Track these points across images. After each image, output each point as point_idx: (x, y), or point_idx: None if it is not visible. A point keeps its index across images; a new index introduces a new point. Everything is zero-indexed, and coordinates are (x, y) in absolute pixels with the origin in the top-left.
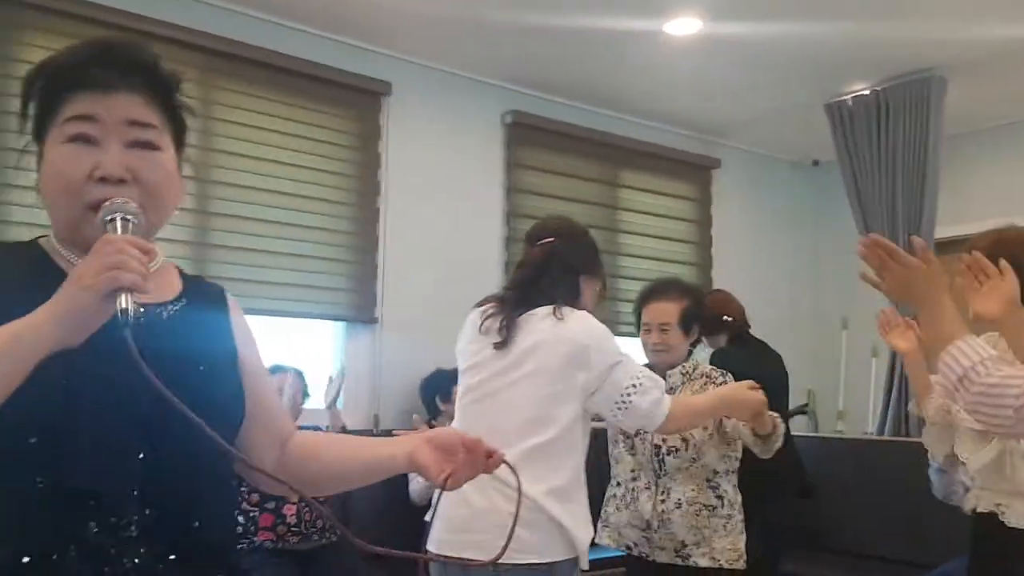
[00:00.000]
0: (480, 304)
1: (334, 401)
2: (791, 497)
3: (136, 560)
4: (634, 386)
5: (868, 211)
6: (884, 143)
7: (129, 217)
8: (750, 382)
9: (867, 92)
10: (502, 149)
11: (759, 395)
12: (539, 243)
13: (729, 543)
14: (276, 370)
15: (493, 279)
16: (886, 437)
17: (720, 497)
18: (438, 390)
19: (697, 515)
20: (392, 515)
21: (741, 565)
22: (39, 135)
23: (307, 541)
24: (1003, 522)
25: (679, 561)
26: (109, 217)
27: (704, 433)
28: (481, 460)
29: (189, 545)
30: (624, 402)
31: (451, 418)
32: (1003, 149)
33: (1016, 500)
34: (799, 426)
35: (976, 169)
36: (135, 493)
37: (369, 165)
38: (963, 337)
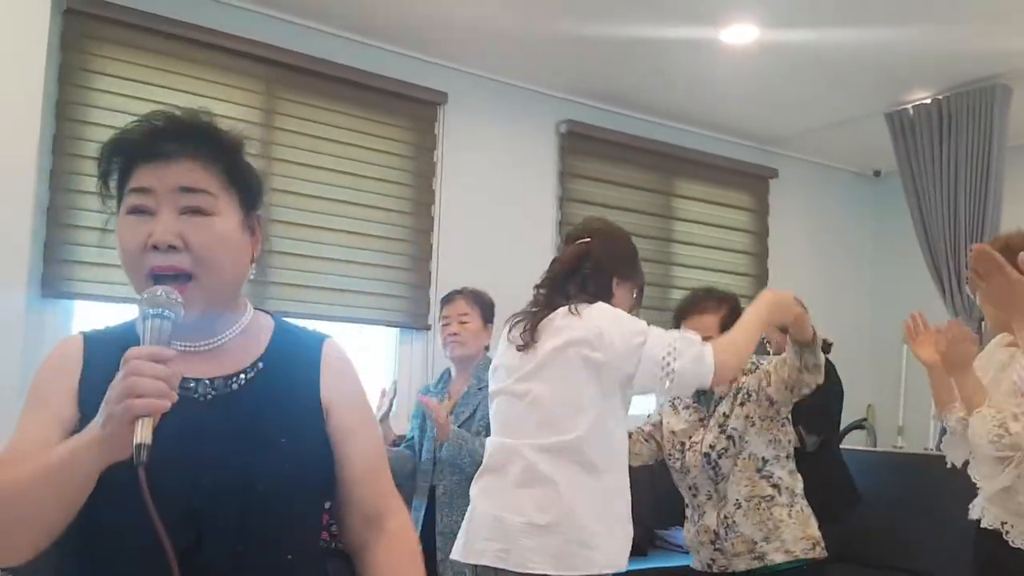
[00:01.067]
0: (516, 315)
1: (387, 414)
2: (843, 512)
3: None
4: (670, 353)
5: (929, 222)
6: (946, 153)
7: (167, 314)
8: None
9: (929, 101)
10: (556, 159)
11: (791, 293)
12: (575, 242)
13: (800, 532)
14: None
15: None
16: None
17: (776, 486)
18: None
19: (758, 509)
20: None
21: (820, 553)
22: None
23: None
24: (1007, 541)
25: (757, 564)
26: (144, 316)
27: (746, 422)
28: None
29: None
30: (668, 372)
31: None
32: None
33: (1022, 521)
34: (857, 440)
35: None
36: None
37: (425, 174)
38: (978, 400)
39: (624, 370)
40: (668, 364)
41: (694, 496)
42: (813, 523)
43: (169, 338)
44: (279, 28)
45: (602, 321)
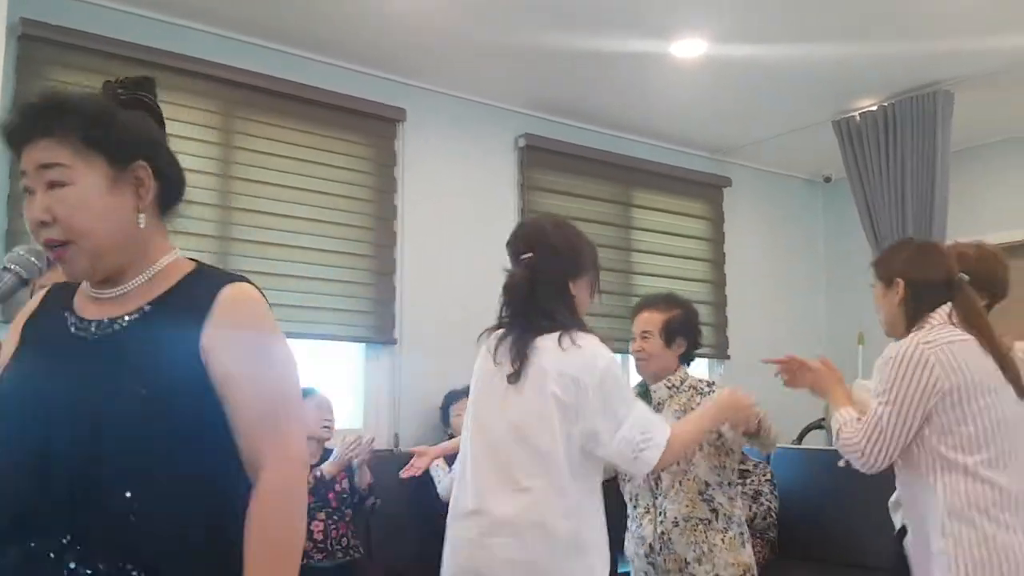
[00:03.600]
0: (490, 330)
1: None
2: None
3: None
4: (645, 440)
5: (879, 226)
6: (893, 158)
7: (13, 268)
8: (736, 387)
9: (875, 108)
10: (516, 172)
11: (749, 397)
12: (520, 259)
13: (731, 558)
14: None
15: None
16: None
17: (715, 511)
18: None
19: (694, 530)
20: (414, 529)
21: None
22: None
23: (331, 559)
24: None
25: None
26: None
27: (700, 450)
28: None
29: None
30: (637, 457)
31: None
32: (1011, 162)
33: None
34: (816, 440)
35: (985, 182)
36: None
37: (386, 190)
38: (838, 409)
39: (591, 426)
40: (641, 449)
41: (635, 507)
42: (746, 550)
43: (13, 288)
44: (236, 48)
45: (590, 377)
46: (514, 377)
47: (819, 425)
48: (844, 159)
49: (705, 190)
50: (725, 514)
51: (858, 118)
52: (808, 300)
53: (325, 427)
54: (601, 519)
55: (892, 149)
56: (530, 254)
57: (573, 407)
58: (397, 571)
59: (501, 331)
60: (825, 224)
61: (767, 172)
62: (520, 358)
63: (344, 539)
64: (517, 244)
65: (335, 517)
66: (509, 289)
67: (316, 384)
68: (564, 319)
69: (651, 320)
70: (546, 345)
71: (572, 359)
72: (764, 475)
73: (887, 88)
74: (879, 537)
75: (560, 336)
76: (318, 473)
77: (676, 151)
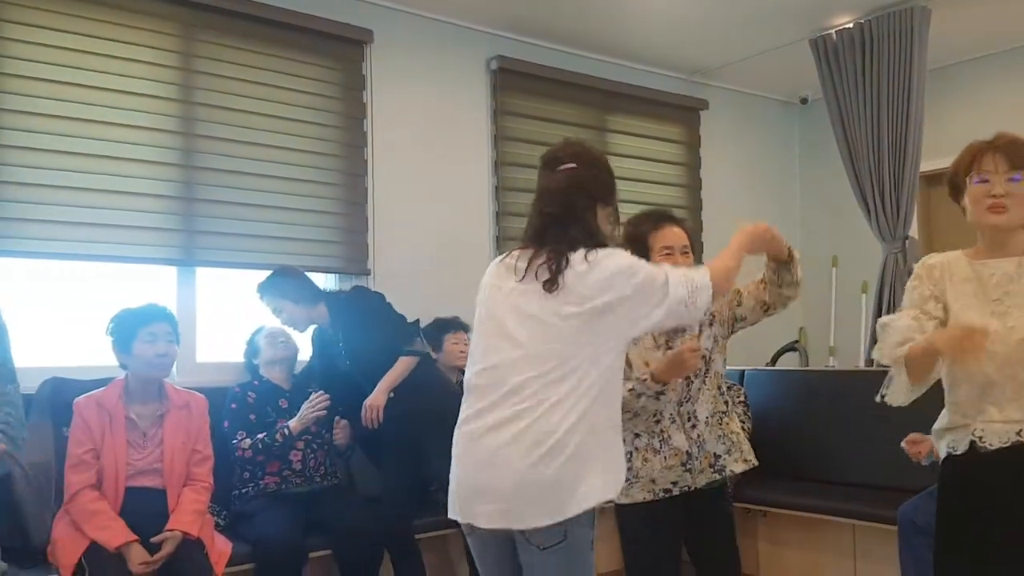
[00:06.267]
0: (518, 247)
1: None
2: None
3: None
4: (692, 291)
5: (854, 147)
6: (869, 77)
7: None
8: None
9: (851, 25)
10: (488, 96)
11: (764, 225)
12: (560, 169)
13: (747, 442)
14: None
15: (483, 227)
16: (872, 368)
17: (727, 401)
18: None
19: (719, 424)
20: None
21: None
22: None
23: (310, 483)
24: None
25: (716, 476)
26: None
27: (713, 343)
28: None
29: None
30: (689, 306)
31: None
32: (986, 79)
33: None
34: (791, 361)
35: (960, 101)
36: None
37: (354, 116)
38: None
39: (632, 311)
40: (691, 299)
41: (657, 423)
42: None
43: None
44: None
45: (619, 269)
46: (550, 284)
47: (792, 348)
48: (820, 78)
49: (682, 113)
50: (728, 400)
51: (835, 36)
52: (783, 224)
53: (281, 344)
54: (616, 437)
55: (868, 67)
56: (573, 164)
57: (612, 307)
58: (375, 496)
59: (530, 250)
60: (800, 147)
61: (744, 94)
62: (558, 269)
63: (322, 467)
64: (558, 155)
65: (313, 446)
66: (547, 195)
67: (273, 318)
68: (597, 236)
69: (683, 236)
70: (576, 259)
71: (602, 265)
72: (738, 397)
73: (864, 4)
74: (847, 454)
75: (586, 253)
76: (286, 430)
77: (652, 73)
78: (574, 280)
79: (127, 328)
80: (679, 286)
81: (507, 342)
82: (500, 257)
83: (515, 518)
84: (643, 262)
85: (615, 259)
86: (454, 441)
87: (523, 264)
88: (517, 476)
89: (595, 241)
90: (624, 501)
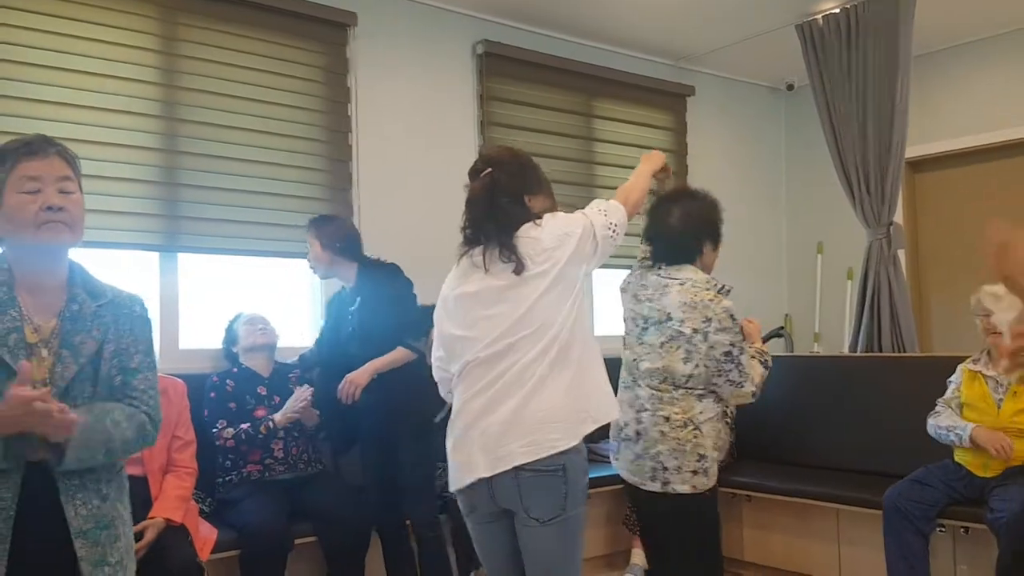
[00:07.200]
0: (463, 249)
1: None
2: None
3: None
4: (611, 224)
5: (840, 133)
6: (855, 62)
7: None
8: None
9: (838, 11)
10: (474, 81)
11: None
12: (480, 176)
13: None
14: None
15: None
16: (857, 354)
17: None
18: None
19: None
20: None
21: None
22: None
23: (293, 471)
24: None
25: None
26: None
27: None
28: None
29: None
30: (612, 236)
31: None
32: (971, 66)
33: None
34: (776, 347)
35: (945, 87)
36: None
37: (339, 100)
38: None
39: (581, 250)
40: (612, 229)
41: (633, 359)
42: None
43: None
44: None
45: (566, 227)
46: (519, 268)
47: (778, 334)
48: (807, 64)
49: (669, 99)
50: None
51: (821, 21)
52: (769, 210)
53: (260, 331)
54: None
55: (854, 53)
56: (489, 169)
57: (572, 259)
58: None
59: (478, 248)
60: (786, 133)
61: (730, 80)
62: (511, 250)
63: (305, 455)
64: (476, 166)
65: (294, 434)
66: (471, 202)
67: (252, 304)
68: (529, 216)
69: None
70: (522, 230)
71: (550, 224)
72: None
73: None
74: (832, 439)
75: (533, 221)
76: (270, 423)
77: (640, 59)
78: (531, 246)
79: None
80: (598, 218)
81: (487, 323)
82: (454, 268)
83: (547, 446)
84: (573, 214)
85: (557, 217)
86: (458, 427)
87: (479, 259)
88: (541, 413)
89: (529, 219)
90: (708, 484)
